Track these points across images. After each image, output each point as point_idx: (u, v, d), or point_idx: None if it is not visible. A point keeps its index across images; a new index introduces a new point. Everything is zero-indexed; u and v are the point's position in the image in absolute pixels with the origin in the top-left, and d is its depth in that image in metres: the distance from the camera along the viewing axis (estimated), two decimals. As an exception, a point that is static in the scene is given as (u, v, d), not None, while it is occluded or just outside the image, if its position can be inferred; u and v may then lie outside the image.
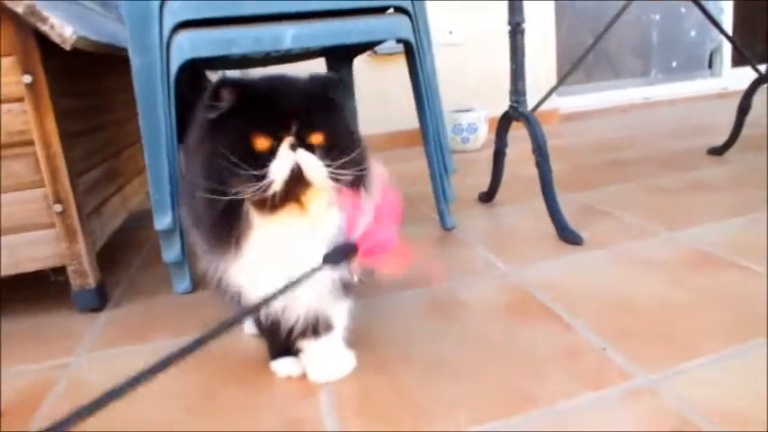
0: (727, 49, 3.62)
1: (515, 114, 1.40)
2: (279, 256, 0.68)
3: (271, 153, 0.63)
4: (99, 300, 1.17)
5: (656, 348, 0.83)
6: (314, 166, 0.64)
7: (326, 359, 0.83)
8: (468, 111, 2.53)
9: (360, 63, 2.18)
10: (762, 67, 1.87)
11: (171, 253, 1.18)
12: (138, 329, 1.07)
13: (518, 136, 1.40)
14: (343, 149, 0.67)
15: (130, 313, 1.15)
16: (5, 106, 1.05)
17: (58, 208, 1.10)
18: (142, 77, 1.13)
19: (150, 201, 1.16)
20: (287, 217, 0.66)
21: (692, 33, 3.60)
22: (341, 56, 1.74)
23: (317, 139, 0.65)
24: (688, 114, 3.05)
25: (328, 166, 0.65)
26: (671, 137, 2.44)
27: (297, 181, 0.64)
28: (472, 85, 2.84)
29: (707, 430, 0.65)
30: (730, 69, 3.65)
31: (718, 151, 2.03)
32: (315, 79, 0.71)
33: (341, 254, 0.64)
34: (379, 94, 2.69)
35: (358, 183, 0.70)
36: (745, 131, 1.94)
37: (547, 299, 1.02)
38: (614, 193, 1.65)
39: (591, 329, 0.90)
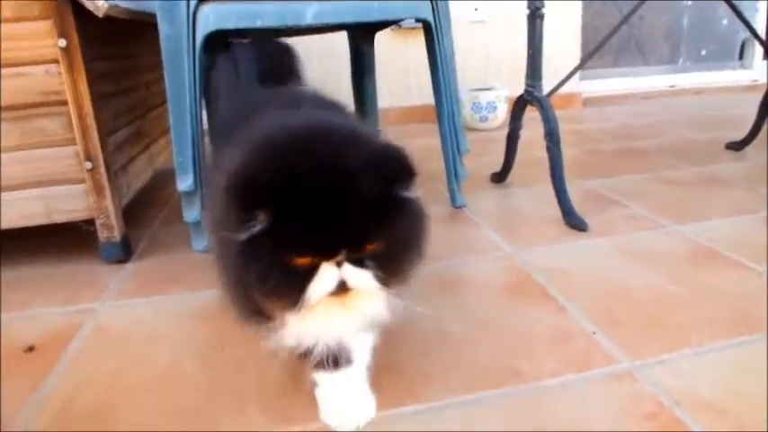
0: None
1: (529, 98, 1.43)
2: (315, 333, 0.61)
3: (311, 269, 0.53)
4: (123, 252, 1.24)
5: (643, 336, 0.88)
6: (363, 281, 0.54)
7: (344, 399, 0.72)
8: (488, 89, 2.54)
9: (382, 35, 2.21)
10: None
11: (191, 213, 1.24)
12: (158, 282, 1.14)
13: (537, 117, 1.43)
14: (404, 257, 0.57)
15: (152, 266, 1.23)
16: (42, 67, 1.11)
17: (88, 165, 1.17)
18: (169, 46, 1.17)
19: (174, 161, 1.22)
20: (323, 311, 0.56)
21: (725, 22, 3.53)
22: (363, 30, 1.77)
23: (370, 249, 0.53)
24: (714, 105, 3.02)
25: (381, 277, 0.55)
26: (692, 127, 2.44)
27: (339, 290, 0.54)
28: (495, 63, 2.84)
29: (679, 417, 0.70)
30: (762, 61, 3.59)
31: (736, 146, 2.03)
32: (377, 168, 0.53)
33: None
34: (399, 67, 2.71)
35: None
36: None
37: (545, 281, 1.07)
38: (626, 182, 1.67)
39: (583, 314, 0.95)
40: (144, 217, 1.52)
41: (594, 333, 0.89)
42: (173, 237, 1.38)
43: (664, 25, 3.47)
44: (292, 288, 0.52)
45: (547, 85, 1.47)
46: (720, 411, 0.71)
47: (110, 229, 1.22)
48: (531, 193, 1.59)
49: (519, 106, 1.53)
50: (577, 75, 3.08)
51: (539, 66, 1.41)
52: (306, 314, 0.55)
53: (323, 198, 0.50)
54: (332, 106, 0.80)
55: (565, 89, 1.54)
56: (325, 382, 0.71)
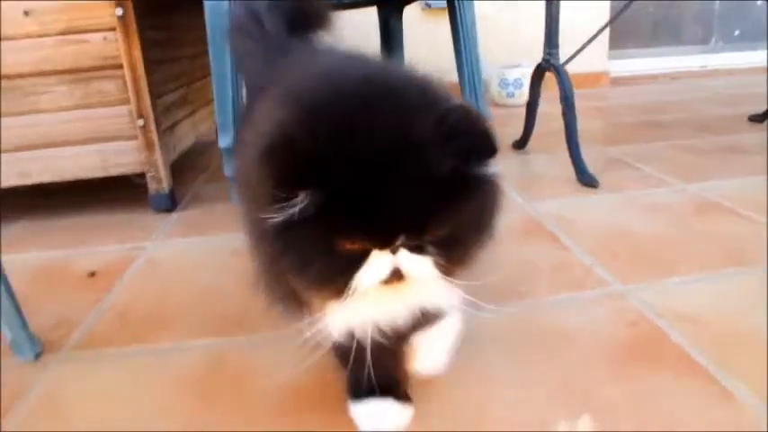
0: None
1: (547, 66, 1.51)
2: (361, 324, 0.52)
3: (362, 254, 0.44)
4: (170, 203, 1.38)
5: (636, 267, 0.96)
6: (421, 269, 0.46)
7: (438, 348, 0.63)
8: (515, 67, 2.61)
9: (414, 15, 2.30)
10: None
11: (231, 168, 1.37)
12: (200, 227, 1.27)
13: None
14: (472, 242, 0.48)
15: (195, 216, 1.36)
16: (101, 34, 1.25)
17: (141, 122, 1.30)
18: (213, 18, 1.30)
19: (215, 129, 1.35)
20: (372, 300, 0.47)
21: (759, 2, 3.50)
22: (391, 5, 1.86)
23: (432, 235, 0.45)
24: (744, 84, 3.01)
25: (443, 265, 0.46)
26: (717, 103, 2.46)
27: (393, 277, 0.46)
28: (525, 42, 2.90)
29: (659, 325, 0.79)
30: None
31: (759, 119, 2.06)
32: (451, 139, 0.43)
33: None
34: (430, 46, 2.79)
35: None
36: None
37: (554, 227, 1.15)
38: (643, 149, 1.73)
39: (584, 251, 1.03)
40: (187, 177, 1.66)
41: (591, 265, 0.98)
42: (213, 193, 1.51)
43: (697, 6, 3.46)
44: (338, 276, 0.44)
45: (574, 63, 1.54)
46: (697, 322, 0.79)
47: (159, 181, 1.35)
48: (549, 157, 1.66)
49: (537, 74, 1.61)
50: (606, 54, 3.13)
51: (555, 35, 1.49)
52: (352, 304, 0.46)
53: (380, 174, 0.41)
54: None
55: (593, 68, 1.62)
56: (422, 340, 0.60)
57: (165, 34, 1.53)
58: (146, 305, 0.94)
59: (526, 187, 1.42)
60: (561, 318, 0.83)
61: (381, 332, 0.51)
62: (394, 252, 0.44)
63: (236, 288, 0.97)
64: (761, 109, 2.09)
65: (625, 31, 3.33)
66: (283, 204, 0.41)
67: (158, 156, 1.33)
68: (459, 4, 1.42)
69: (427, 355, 0.62)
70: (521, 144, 1.77)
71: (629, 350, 0.74)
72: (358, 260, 0.44)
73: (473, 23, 1.50)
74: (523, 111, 1.76)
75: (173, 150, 1.46)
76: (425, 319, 0.54)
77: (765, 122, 2.03)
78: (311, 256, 0.44)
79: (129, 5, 1.24)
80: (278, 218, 0.42)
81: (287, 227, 0.42)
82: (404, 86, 0.48)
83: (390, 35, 1.89)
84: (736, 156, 1.62)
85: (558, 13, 1.46)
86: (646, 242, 1.07)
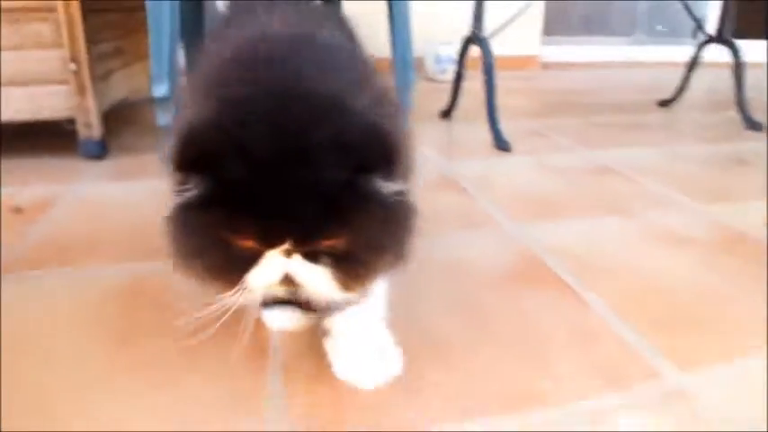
0: (713, 19, 3.77)
1: (473, 38, 1.61)
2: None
3: (255, 254, 0.44)
4: (101, 150, 1.40)
5: (529, 214, 1.08)
6: (313, 279, 0.45)
7: (364, 354, 0.60)
8: (449, 44, 2.72)
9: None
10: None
11: (164, 118, 1.41)
12: (130, 173, 1.31)
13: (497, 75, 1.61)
14: (372, 261, 0.47)
15: (125, 163, 1.39)
16: (35, -24, 1.26)
17: (73, 67, 1.32)
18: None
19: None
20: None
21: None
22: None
23: (327, 244, 0.44)
24: (662, 75, 3.23)
25: (340, 278, 0.46)
26: (634, 90, 2.65)
27: (287, 283, 0.46)
28: (460, 20, 3.01)
29: (540, 256, 0.91)
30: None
31: (666, 103, 2.25)
32: (348, 148, 0.42)
33: None
34: (369, 22, 2.86)
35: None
36: (693, 92, 2.16)
37: (466, 184, 1.26)
38: (559, 123, 1.88)
39: (488, 200, 1.15)
40: (119, 128, 1.67)
41: (492, 211, 1.09)
42: (144, 144, 1.54)
43: (623, 2, 3.67)
44: (229, 271, 0.45)
45: (508, 46, 1.65)
46: (570, 254, 0.92)
47: (89, 127, 1.38)
48: (471, 126, 1.78)
49: (464, 47, 1.71)
50: (538, 39, 3.28)
51: (481, 10, 1.60)
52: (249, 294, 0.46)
53: (275, 176, 0.41)
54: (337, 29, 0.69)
55: (525, 52, 1.73)
56: (340, 329, 0.59)
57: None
58: (72, 235, 0.98)
59: (444, 151, 1.53)
60: (461, 251, 0.93)
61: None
62: (288, 256, 0.44)
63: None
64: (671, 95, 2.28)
65: (559, 21, 3.50)
66: (181, 187, 0.42)
67: (90, 101, 1.35)
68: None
69: (349, 362, 0.59)
70: (446, 114, 1.87)
71: (513, 275, 0.86)
72: (250, 260, 0.44)
73: (405, 3, 1.59)
74: (456, 86, 1.87)
75: (105, 98, 1.47)
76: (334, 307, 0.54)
77: (671, 107, 2.22)
78: (204, 243, 0.44)
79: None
80: (176, 199, 0.43)
81: (185, 209, 0.43)
82: (324, 87, 0.47)
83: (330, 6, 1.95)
84: (637, 131, 1.78)
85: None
86: (542, 194, 1.19)
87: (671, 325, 0.73)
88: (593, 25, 3.69)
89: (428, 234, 0.96)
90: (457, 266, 0.88)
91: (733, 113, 1.91)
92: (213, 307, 0.49)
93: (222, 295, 0.47)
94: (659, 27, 3.77)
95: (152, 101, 1.39)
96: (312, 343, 0.65)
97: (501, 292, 0.81)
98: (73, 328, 0.71)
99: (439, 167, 1.38)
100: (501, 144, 1.51)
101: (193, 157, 0.41)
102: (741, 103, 1.90)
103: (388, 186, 0.44)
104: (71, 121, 1.37)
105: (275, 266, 0.44)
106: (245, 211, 0.41)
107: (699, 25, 2.09)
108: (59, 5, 1.27)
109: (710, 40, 2.04)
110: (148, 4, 1.35)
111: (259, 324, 0.68)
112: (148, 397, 0.59)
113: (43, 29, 1.29)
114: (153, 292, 0.80)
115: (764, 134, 1.77)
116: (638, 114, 2.06)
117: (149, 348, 0.67)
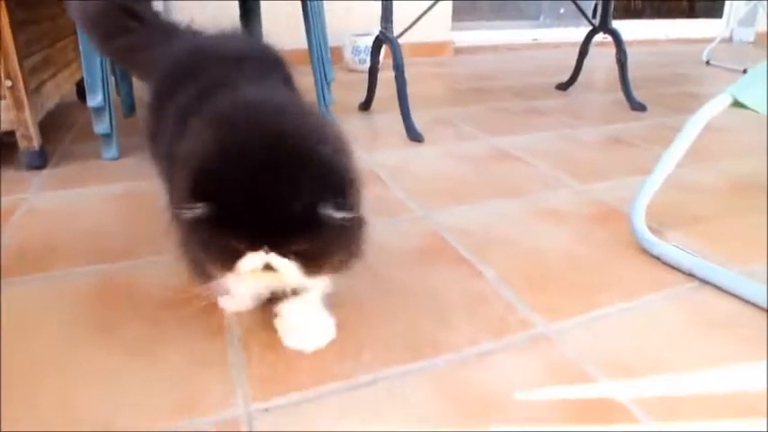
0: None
1: (383, 38, 1.78)
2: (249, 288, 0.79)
3: (245, 251, 0.62)
4: (41, 159, 1.48)
5: (437, 200, 1.28)
6: (285, 268, 0.63)
7: (305, 325, 0.80)
8: (367, 35, 2.87)
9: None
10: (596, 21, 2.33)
11: (101, 126, 1.50)
12: (74, 180, 1.41)
13: (413, 62, 1.78)
14: (328, 260, 0.66)
15: (67, 171, 1.48)
16: (-36, -4, 1.31)
17: (9, 83, 1.39)
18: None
19: (76, 93, 1.46)
20: (254, 276, 0.65)
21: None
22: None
23: (297, 248, 0.62)
24: (563, 57, 3.52)
25: (304, 269, 0.64)
26: (536, 74, 2.91)
27: (267, 268, 0.63)
28: (377, 12, 3.17)
29: (444, 236, 1.10)
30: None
31: (563, 87, 2.51)
32: (310, 184, 0.60)
33: None
34: (288, 13, 2.97)
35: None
36: (587, 74, 2.43)
37: (383, 173, 1.44)
38: (466, 111, 2.09)
39: (400, 189, 1.34)
40: (54, 136, 1.74)
41: (404, 199, 1.28)
42: (82, 150, 1.62)
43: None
44: (228, 260, 0.63)
45: (420, 34, 1.82)
46: (470, 233, 1.11)
47: (29, 139, 1.45)
48: (388, 117, 1.95)
49: (376, 46, 1.88)
50: (450, 25, 3.48)
51: (390, 12, 1.76)
52: (240, 277, 0.65)
53: (257, 202, 0.59)
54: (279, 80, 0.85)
55: (437, 38, 1.90)
56: (287, 312, 0.79)
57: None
58: (35, 244, 1.08)
59: (363, 141, 1.71)
60: (379, 236, 1.11)
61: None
62: (267, 253, 0.61)
63: (118, 227, 1.15)
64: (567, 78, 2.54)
65: (470, 6, 3.72)
66: (192, 206, 0.59)
67: (28, 114, 1.43)
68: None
69: (294, 332, 0.79)
70: (365, 106, 2.04)
71: (420, 252, 1.05)
72: (241, 253, 0.62)
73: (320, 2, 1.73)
74: (373, 76, 2.03)
75: (40, 109, 1.54)
76: (292, 291, 0.74)
77: (568, 90, 2.48)
78: (210, 242, 0.63)
79: (-9, -32, 1.31)
80: (188, 215, 0.60)
81: (196, 221, 0.60)
82: (290, 137, 0.63)
83: (248, 8, 2.05)
84: (535, 117, 2.02)
85: (391, -6, 1.73)
86: (449, 182, 1.39)
87: (543, 286, 0.94)
88: (503, 11, 3.95)
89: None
90: (375, 248, 1.05)
91: (621, 95, 2.18)
92: (208, 285, 0.69)
93: (218, 277, 0.67)
94: (562, 10, 4.07)
95: (79, 104, 1.47)
96: (263, 321, 0.82)
97: (411, 267, 0.99)
98: (56, 323, 0.84)
99: (360, 159, 1.54)
100: (413, 135, 1.70)
101: (204, 189, 0.59)
102: (626, 88, 2.18)
103: (338, 212, 0.60)
104: (9, 134, 1.44)
105: (258, 258, 0.62)
106: (237, 227, 0.60)
107: (585, 16, 2.35)
108: (-9, 24, 1.34)
109: (595, 29, 2.30)
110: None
111: (215, 308, 0.84)
112: (130, 370, 0.74)
113: (-25, 48, 1.35)
114: (121, 287, 0.93)
115: (647, 114, 2.05)
116: (536, 99, 2.30)
117: (127, 333, 0.81)
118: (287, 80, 0.88)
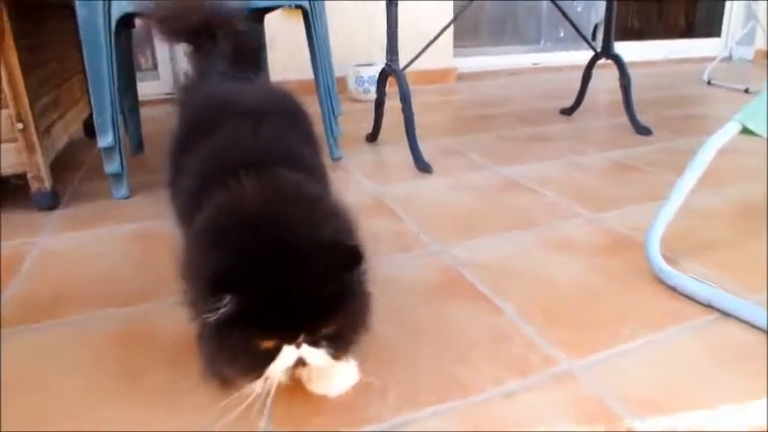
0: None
1: (389, 71, 1.80)
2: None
3: (274, 350, 0.61)
4: (53, 200, 1.49)
5: (451, 233, 1.27)
6: (318, 358, 0.63)
7: (329, 370, 0.74)
8: (370, 65, 2.91)
9: (276, 16, 2.51)
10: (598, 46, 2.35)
11: (112, 166, 1.51)
12: (87, 221, 1.41)
13: (416, 90, 1.80)
14: (353, 333, 0.66)
15: (79, 211, 1.48)
16: (-24, 41, 1.33)
17: (20, 126, 1.40)
18: (87, 27, 1.43)
19: (83, 130, 1.47)
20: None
21: (579, 9, 4.11)
22: (251, 15, 2.06)
23: (326, 330, 0.62)
24: (565, 80, 3.55)
25: (333, 353, 0.64)
26: (538, 98, 2.93)
27: (297, 364, 0.63)
28: (379, 42, 3.20)
29: (460, 271, 1.09)
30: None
31: (567, 111, 2.52)
32: (331, 260, 0.61)
33: None
34: (293, 45, 3.01)
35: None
36: (591, 98, 2.44)
37: (394, 205, 1.44)
38: (473, 139, 2.10)
39: (414, 222, 1.33)
40: (64, 175, 1.75)
41: (418, 232, 1.27)
42: (93, 189, 1.63)
43: (527, 9, 3.99)
44: (258, 365, 0.61)
45: (423, 61, 1.84)
46: (486, 267, 1.11)
47: (40, 180, 1.46)
48: (395, 148, 1.96)
49: (382, 78, 1.89)
50: (451, 52, 3.51)
51: (395, 44, 1.78)
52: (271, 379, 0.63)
53: (282, 290, 0.58)
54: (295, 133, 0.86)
55: (440, 65, 1.92)
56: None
57: (36, 39, 1.62)
58: (50, 289, 1.08)
59: (372, 174, 1.71)
60: (393, 270, 1.11)
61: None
62: (298, 347, 0.60)
63: (134, 268, 1.14)
64: (571, 102, 2.55)
65: (470, 31, 3.77)
66: (214, 306, 0.57)
67: (39, 156, 1.44)
68: (312, 16, 1.66)
69: (318, 377, 0.76)
70: (372, 137, 2.05)
71: (438, 288, 1.04)
72: (272, 354, 0.60)
73: (325, 32, 1.75)
74: (378, 106, 2.05)
75: (51, 150, 1.56)
76: None
77: (572, 115, 2.49)
78: (238, 349, 0.60)
79: (3, 9, 1.33)
80: (211, 317, 0.58)
81: (220, 326, 0.58)
82: (306, 226, 0.63)
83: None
84: (541, 143, 2.03)
85: (396, 25, 1.75)
86: (461, 213, 1.39)
87: (563, 321, 0.93)
88: (503, 36, 4.00)
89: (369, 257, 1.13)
90: (393, 284, 1.06)
91: (626, 119, 2.18)
92: (239, 393, 0.65)
93: (250, 385, 0.64)
94: (562, 34, 4.11)
95: (87, 141, 1.48)
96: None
97: (429, 304, 0.99)
98: (80, 371, 0.83)
99: (369, 191, 1.55)
100: (421, 166, 1.70)
101: (226, 284, 0.57)
102: (630, 113, 2.18)
103: (356, 280, 0.63)
104: (20, 176, 1.45)
105: (291, 355, 0.61)
106: (267, 320, 0.59)
107: (586, 40, 2.37)
108: (2, 68, 1.35)
109: (598, 55, 2.32)
110: (87, 60, 1.46)
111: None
112: (155, 423, 0.73)
113: (-13, 91, 1.37)
114: (144, 333, 0.92)
115: (653, 138, 2.06)
116: (540, 125, 2.31)
117: (149, 381, 0.80)
118: (306, 134, 0.89)
